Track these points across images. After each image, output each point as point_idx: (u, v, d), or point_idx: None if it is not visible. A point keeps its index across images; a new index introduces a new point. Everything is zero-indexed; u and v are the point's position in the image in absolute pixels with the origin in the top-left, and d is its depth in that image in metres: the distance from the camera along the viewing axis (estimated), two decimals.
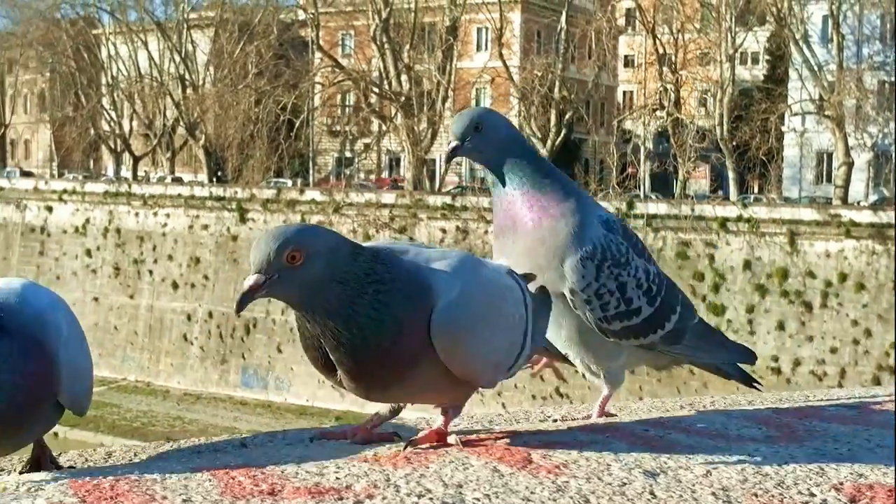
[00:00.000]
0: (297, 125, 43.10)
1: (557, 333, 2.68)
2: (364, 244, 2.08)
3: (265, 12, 47.92)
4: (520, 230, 2.65)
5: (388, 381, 2.05)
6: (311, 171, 49.26)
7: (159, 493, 1.70)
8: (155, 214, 41.93)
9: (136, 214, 42.49)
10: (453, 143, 2.68)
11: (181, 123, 49.57)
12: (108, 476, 1.79)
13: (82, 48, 54.35)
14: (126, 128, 53.57)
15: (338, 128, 48.59)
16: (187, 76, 49.63)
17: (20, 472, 2.07)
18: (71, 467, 2.09)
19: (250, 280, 1.94)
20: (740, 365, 3.00)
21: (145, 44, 50.76)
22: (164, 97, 51.19)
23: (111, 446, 2.40)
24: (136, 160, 52.78)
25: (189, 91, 49.33)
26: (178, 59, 49.61)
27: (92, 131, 54.39)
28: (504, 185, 2.69)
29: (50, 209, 44.72)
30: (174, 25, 50.60)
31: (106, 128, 54.32)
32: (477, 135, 2.69)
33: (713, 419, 2.65)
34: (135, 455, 2.23)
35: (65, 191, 44.99)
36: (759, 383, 3.14)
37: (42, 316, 1.99)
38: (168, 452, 2.25)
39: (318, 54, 45.93)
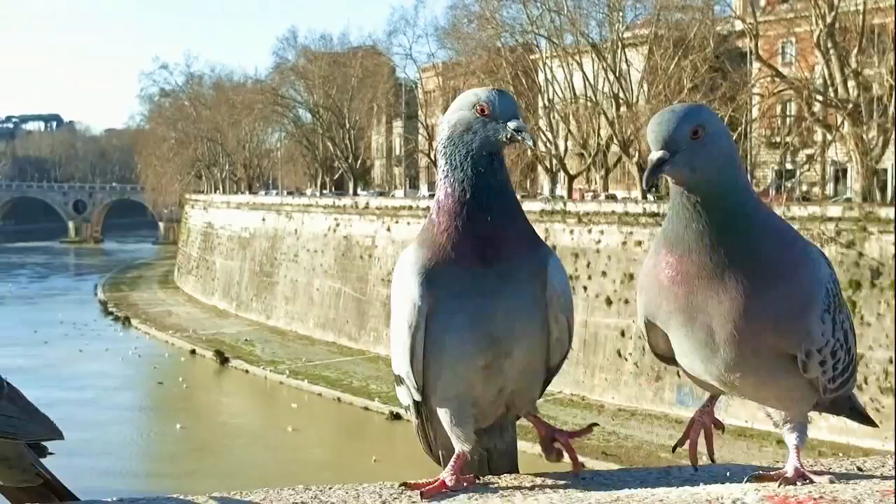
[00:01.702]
0: (733, 137, 42.03)
1: (769, 395, 2.11)
2: None
3: (701, 26, 47.31)
4: (737, 280, 2.01)
5: None
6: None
7: None
8: (589, 231, 42.68)
9: (571, 231, 43.48)
10: (657, 155, 2.02)
11: (615, 141, 50.24)
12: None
13: (521, 73, 56.72)
14: (561, 148, 55.19)
15: (777, 139, 46.98)
16: (621, 94, 50.20)
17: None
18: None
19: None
20: None
21: (580, 65, 52.02)
22: (599, 116, 52.17)
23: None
24: (571, 179, 54.21)
25: (623, 109, 49.83)
26: (612, 78, 50.34)
27: (529, 152, 56.53)
28: (709, 218, 2.03)
29: None
30: (608, 46, 51.43)
31: (542, 148, 56.27)
32: (694, 143, 2.04)
33: None
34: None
35: None
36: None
37: None
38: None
39: (756, 64, 44.62)
